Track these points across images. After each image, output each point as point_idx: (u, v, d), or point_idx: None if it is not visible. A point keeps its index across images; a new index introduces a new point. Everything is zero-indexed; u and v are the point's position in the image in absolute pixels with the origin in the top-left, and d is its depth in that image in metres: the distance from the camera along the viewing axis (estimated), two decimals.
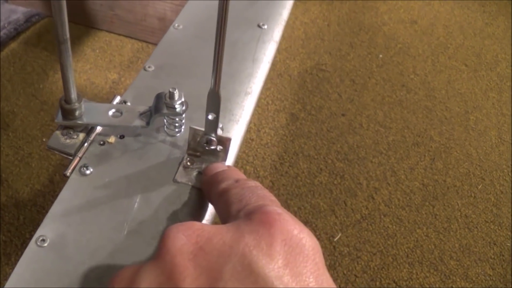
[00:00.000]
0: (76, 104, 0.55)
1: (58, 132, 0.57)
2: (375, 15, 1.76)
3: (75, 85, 0.52)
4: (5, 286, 0.43)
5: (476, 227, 1.14)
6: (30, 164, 1.11)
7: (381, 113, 1.36)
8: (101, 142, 0.57)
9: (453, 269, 1.06)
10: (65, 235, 0.47)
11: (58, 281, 0.44)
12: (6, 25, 1.58)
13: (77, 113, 0.55)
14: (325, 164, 1.20)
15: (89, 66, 1.40)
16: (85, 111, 0.56)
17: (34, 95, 1.30)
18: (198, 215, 0.52)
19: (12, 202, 1.04)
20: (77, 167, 0.54)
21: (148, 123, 0.57)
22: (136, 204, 0.50)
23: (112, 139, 0.58)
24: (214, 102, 0.50)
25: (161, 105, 0.56)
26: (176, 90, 0.55)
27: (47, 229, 0.47)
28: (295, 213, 1.09)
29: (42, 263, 0.44)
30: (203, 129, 0.53)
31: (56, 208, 0.49)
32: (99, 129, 0.58)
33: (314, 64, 1.50)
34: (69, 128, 0.57)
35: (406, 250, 1.07)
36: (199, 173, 0.54)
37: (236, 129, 0.63)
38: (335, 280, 1.00)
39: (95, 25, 1.56)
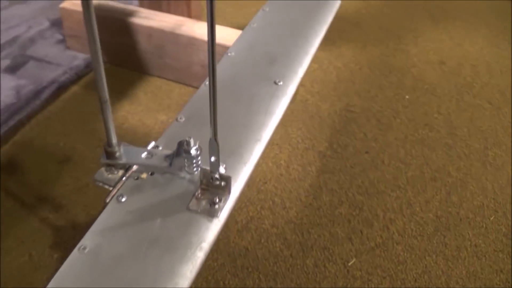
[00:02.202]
0: (116, 147, 0.72)
1: (102, 169, 0.75)
2: (405, 58, 1.89)
3: (115, 133, 0.70)
4: (48, 286, 0.60)
5: (485, 256, 1.24)
6: (86, 193, 1.30)
7: (403, 150, 1.49)
8: (136, 177, 0.75)
9: None
10: (101, 246, 0.63)
11: (92, 281, 0.60)
12: (68, 71, 1.80)
13: (117, 154, 0.73)
14: (346, 197, 1.34)
15: (141, 108, 1.59)
16: (124, 152, 0.74)
17: (91, 133, 1.50)
18: (204, 237, 0.67)
19: (70, 225, 1.22)
20: (115, 196, 0.71)
21: (171, 164, 0.74)
22: (157, 226, 0.67)
23: (144, 175, 0.75)
24: (214, 148, 0.66)
25: (181, 150, 0.73)
26: (192, 139, 0.72)
27: (88, 240, 0.64)
28: (315, 240, 1.23)
29: (81, 266, 0.61)
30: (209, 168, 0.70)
31: (97, 225, 0.67)
32: (135, 167, 0.76)
33: (344, 106, 1.64)
34: (111, 166, 0.75)
35: (415, 275, 1.18)
36: (210, 203, 0.71)
37: (244, 170, 0.79)
38: None
39: (147, 71, 1.76)
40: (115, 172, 0.75)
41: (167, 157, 0.75)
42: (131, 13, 1.71)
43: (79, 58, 1.87)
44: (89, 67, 1.83)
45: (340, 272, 1.18)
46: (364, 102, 1.67)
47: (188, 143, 0.72)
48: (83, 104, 1.65)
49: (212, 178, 0.70)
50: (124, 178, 0.75)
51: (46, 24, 2.07)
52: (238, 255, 1.22)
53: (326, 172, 1.41)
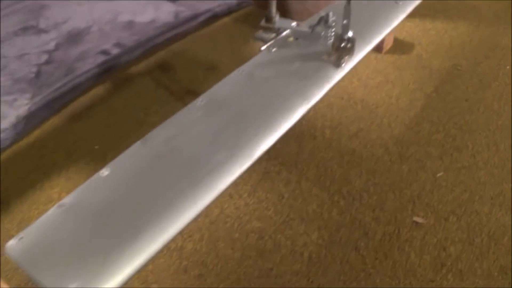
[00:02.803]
0: (274, 14, 1.04)
1: (261, 30, 1.07)
2: None
3: (275, 5, 1.01)
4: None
5: None
6: None
7: (497, 104, 1.72)
8: (284, 39, 1.06)
9: None
10: (254, 72, 0.94)
11: (248, 89, 0.92)
12: (222, 4, 2.14)
13: (273, 20, 1.04)
14: (443, 128, 1.59)
15: None
16: (278, 21, 1.06)
17: (237, 53, 1.84)
18: (330, 77, 0.96)
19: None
20: (268, 48, 1.02)
21: (312, 31, 1.04)
22: (296, 66, 0.97)
23: (291, 39, 1.07)
24: (347, 13, 0.94)
25: (321, 21, 1.04)
26: (331, 13, 1.02)
27: (246, 67, 0.95)
28: (411, 153, 1.50)
29: (239, 79, 0.92)
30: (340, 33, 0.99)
31: (252, 61, 0.99)
32: (285, 32, 1.06)
33: (452, 64, 1.89)
34: (268, 29, 1.07)
35: (492, 194, 1.42)
36: (338, 58, 1.00)
37: (365, 47, 1.08)
38: (429, 200, 1.39)
39: (287, 15, 2.06)
40: (270, 34, 1.07)
41: (310, 26, 1.06)
42: None
43: None
44: (240, 6, 2.15)
45: (428, 180, 1.44)
46: (470, 64, 1.90)
47: (327, 17, 1.02)
48: (232, 32, 1.99)
49: (342, 40, 0.99)
50: (275, 39, 1.07)
51: None
52: (346, 153, 1.50)
53: (429, 108, 1.67)
